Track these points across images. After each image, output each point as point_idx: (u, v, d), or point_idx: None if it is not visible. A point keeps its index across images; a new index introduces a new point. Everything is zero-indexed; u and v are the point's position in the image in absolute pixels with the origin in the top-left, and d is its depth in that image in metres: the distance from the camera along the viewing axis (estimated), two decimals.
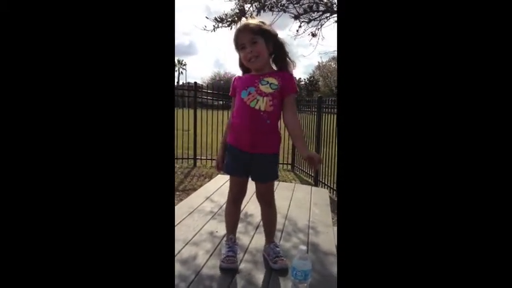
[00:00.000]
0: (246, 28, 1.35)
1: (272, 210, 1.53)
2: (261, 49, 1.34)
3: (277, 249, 1.48)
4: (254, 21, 1.41)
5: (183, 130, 5.38)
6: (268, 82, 1.36)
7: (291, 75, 1.41)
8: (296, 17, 2.98)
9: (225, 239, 1.57)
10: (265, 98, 1.34)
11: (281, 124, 1.43)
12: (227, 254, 1.42)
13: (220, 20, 3.19)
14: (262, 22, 1.40)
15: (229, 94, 1.51)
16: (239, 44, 1.36)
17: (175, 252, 1.53)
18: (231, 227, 1.55)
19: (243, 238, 1.72)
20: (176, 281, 1.29)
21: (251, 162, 1.40)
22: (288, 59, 1.41)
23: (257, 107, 1.34)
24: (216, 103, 6.01)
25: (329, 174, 4.10)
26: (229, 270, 1.38)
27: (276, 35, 1.39)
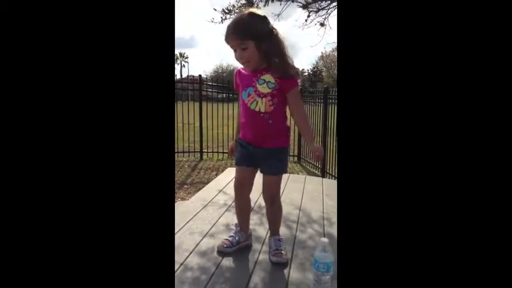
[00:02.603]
0: (235, 31, 1.27)
1: (274, 209, 1.49)
2: (252, 54, 1.27)
3: (279, 242, 1.47)
4: (245, 16, 1.29)
5: (188, 124, 5.36)
6: (265, 81, 1.30)
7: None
8: (304, 6, 2.92)
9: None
10: (263, 99, 1.31)
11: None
12: (226, 238, 1.52)
13: (228, 12, 3.15)
14: (253, 15, 1.28)
15: (234, 88, 1.49)
16: (230, 46, 1.31)
17: (194, 245, 1.54)
18: (243, 221, 1.55)
19: (259, 230, 1.73)
20: (197, 274, 1.30)
21: (258, 154, 1.40)
22: (284, 56, 1.29)
23: (257, 109, 1.32)
24: (220, 96, 5.97)
25: (336, 165, 4.09)
26: (221, 253, 1.47)
27: (269, 33, 1.28)
